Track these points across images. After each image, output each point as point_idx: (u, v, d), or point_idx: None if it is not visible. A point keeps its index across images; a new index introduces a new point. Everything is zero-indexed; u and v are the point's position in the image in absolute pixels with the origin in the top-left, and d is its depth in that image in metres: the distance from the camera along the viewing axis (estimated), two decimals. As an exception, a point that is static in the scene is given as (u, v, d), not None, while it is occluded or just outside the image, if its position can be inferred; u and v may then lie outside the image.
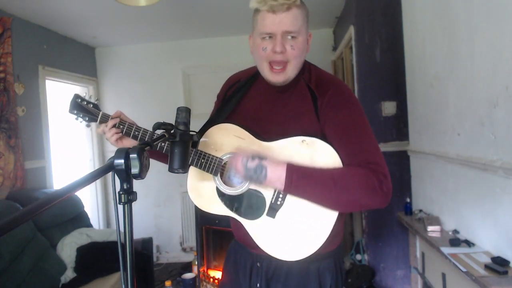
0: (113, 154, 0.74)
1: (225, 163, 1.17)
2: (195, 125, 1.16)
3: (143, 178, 0.75)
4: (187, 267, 3.92)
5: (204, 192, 1.20)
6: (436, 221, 2.17)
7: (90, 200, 4.31)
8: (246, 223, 1.15)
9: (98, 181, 4.38)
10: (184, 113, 1.02)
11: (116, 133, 1.21)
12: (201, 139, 1.18)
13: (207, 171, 1.16)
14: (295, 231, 1.12)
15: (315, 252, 1.11)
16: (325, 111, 1.11)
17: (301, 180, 1.05)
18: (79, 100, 1.25)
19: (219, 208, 1.17)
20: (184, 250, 4.45)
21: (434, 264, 2.19)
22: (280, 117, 1.17)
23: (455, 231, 2.04)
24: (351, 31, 3.17)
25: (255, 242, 1.15)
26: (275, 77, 1.13)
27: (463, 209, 1.98)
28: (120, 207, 0.73)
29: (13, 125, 2.99)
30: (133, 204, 0.75)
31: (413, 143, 2.72)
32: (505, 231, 1.61)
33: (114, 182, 0.74)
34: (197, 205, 1.20)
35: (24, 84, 3.20)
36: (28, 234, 2.60)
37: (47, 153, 3.44)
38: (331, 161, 1.09)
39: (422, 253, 2.40)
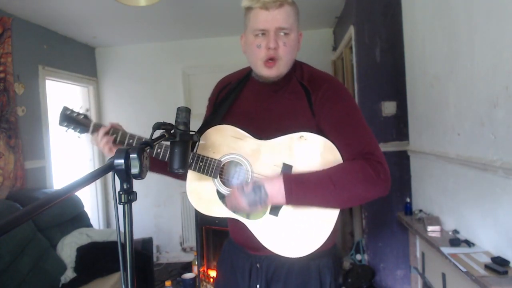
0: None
1: (223, 165, 1.17)
2: (195, 125, 1.16)
3: (143, 178, 0.75)
4: (187, 267, 3.92)
5: (204, 195, 1.19)
6: (436, 221, 2.17)
7: (90, 200, 4.31)
8: (249, 223, 1.15)
9: (98, 181, 4.38)
10: (184, 113, 1.02)
11: (108, 141, 1.19)
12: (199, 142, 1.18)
13: (206, 174, 1.16)
14: (299, 227, 1.13)
15: (317, 249, 1.12)
16: (320, 105, 1.13)
17: (301, 188, 1.06)
18: (69, 112, 1.25)
19: (220, 210, 1.17)
20: (184, 250, 4.45)
21: (434, 264, 2.19)
22: (276, 115, 1.18)
23: (455, 231, 2.04)
24: (351, 31, 3.17)
25: (259, 242, 1.14)
26: (269, 71, 1.14)
27: (463, 209, 1.98)
28: (120, 207, 0.73)
29: (13, 125, 2.99)
30: (133, 204, 0.75)
31: (413, 143, 2.72)
32: (505, 231, 1.60)
33: (114, 182, 0.74)
34: (197, 209, 1.19)
35: (24, 84, 3.20)
36: (28, 234, 2.60)
37: (47, 153, 3.44)
38: (330, 155, 1.11)
39: (422, 253, 2.40)
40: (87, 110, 1.28)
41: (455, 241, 1.88)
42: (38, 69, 3.42)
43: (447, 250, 1.82)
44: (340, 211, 1.13)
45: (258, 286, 1.21)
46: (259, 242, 1.15)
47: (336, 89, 1.16)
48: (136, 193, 0.75)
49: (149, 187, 4.36)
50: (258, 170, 1.15)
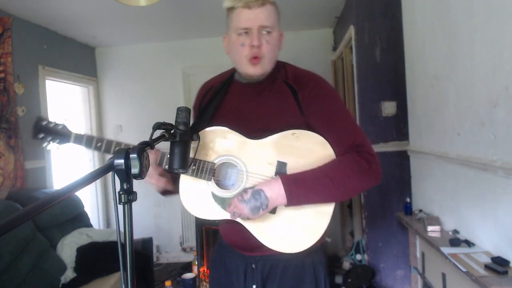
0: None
1: (217, 167, 1.16)
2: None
3: (143, 178, 0.75)
4: (187, 267, 3.92)
5: (199, 199, 1.17)
6: (436, 221, 2.17)
7: (90, 200, 4.31)
8: (248, 223, 1.15)
9: (98, 181, 4.38)
10: (184, 113, 1.02)
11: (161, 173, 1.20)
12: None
13: (200, 177, 1.15)
14: (297, 222, 1.14)
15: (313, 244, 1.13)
16: (308, 103, 1.16)
17: (300, 187, 1.07)
18: (45, 123, 1.21)
19: (216, 213, 1.16)
20: (184, 250, 4.45)
21: (434, 264, 2.19)
22: (263, 115, 1.19)
23: (455, 231, 2.04)
24: (351, 31, 3.17)
25: (255, 243, 1.14)
26: (254, 69, 1.16)
27: (463, 209, 1.97)
28: (120, 207, 0.73)
29: (13, 125, 2.99)
30: (133, 204, 0.75)
31: (413, 143, 2.72)
32: (505, 231, 1.60)
33: (114, 182, 0.74)
34: (193, 214, 1.17)
35: (24, 84, 3.20)
36: (28, 234, 2.60)
37: (47, 153, 3.43)
38: (323, 150, 1.13)
39: (422, 253, 2.40)
40: (65, 119, 1.26)
41: (455, 241, 1.88)
42: (38, 69, 3.42)
43: (447, 250, 1.82)
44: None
45: (254, 286, 1.21)
46: (255, 243, 1.14)
47: (323, 86, 1.20)
48: (136, 193, 0.75)
49: (149, 187, 4.31)
50: (252, 169, 1.14)
